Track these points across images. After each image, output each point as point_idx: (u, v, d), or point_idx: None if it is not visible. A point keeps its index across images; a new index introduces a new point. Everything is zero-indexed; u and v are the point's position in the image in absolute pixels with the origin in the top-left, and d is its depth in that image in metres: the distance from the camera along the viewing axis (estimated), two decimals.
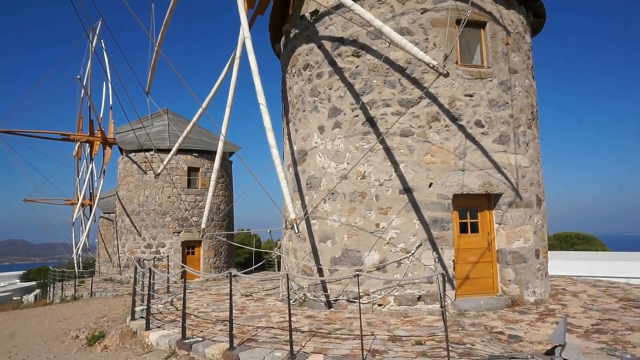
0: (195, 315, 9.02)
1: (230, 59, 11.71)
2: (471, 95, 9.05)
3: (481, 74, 9.22)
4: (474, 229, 9.24)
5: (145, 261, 15.45)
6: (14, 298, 26.70)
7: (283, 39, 11.71)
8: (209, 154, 21.59)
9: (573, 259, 18.84)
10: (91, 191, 29.74)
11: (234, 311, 6.74)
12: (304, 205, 9.99)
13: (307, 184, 9.99)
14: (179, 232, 20.64)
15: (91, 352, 7.97)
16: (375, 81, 9.14)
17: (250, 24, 10.79)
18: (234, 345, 6.30)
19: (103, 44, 26.87)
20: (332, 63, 9.68)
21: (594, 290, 10.47)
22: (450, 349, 5.56)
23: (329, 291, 9.14)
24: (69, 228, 29.66)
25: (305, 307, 9.41)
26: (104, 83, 29.52)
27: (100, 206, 28.76)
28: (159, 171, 15.17)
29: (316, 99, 9.93)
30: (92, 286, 19.40)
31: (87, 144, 28.40)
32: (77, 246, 27.10)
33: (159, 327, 8.15)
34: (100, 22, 25.01)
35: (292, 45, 10.94)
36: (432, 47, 9.00)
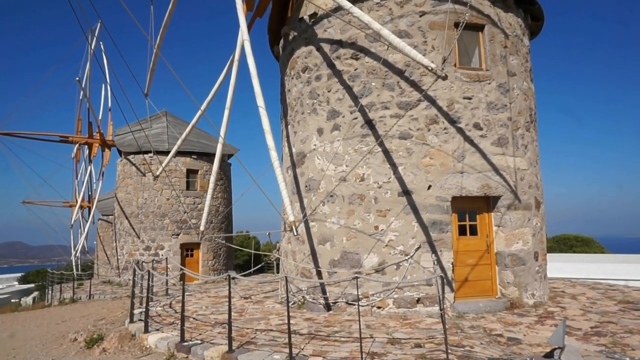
0: (194, 318, 9.00)
1: (229, 61, 11.72)
2: (470, 98, 9.07)
3: (479, 76, 9.24)
4: (473, 231, 9.24)
5: (144, 263, 15.44)
6: (12, 300, 26.64)
7: (282, 41, 11.72)
8: (208, 156, 21.60)
9: (572, 262, 18.86)
10: (90, 193, 29.70)
11: (232, 314, 6.74)
12: (302, 208, 9.99)
13: (306, 186, 9.99)
14: (178, 235, 20.61)
15: (90, 355, 7.95)
16: (374, 84, 9.15)
17: (249, 27, 10.80)
18: (233, 348, 6.29)
19: (102, 46, 26.87)
20: (331, 65, 9.69)
21: (593, 292, 10.48)
22: (449, 351, 5.56)
23: (328, 294, 9.13)
24: (67, 230, 29.64)
25: (304, 310, 9.40)
26: (103, 85, 29.57)
27: (99, 208, 28.72)
28: (157, 173, 15.14)
29: (315, 101, 9.95)
30: (90, 288, 19.36)
31: (86, 146, 28.38)
32: (76, 248, 27.06)
33: (157, 329, 8.14)
34: (99, 24, 24.99)
35: (290, 48, 10.95)
36: (431, 49, 9.02)
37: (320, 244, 9.45)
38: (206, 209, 11.18)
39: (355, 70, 9.38)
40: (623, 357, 5.39)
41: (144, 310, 8.45)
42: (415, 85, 8.97)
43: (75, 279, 21.68)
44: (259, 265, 14.71)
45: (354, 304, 8.61)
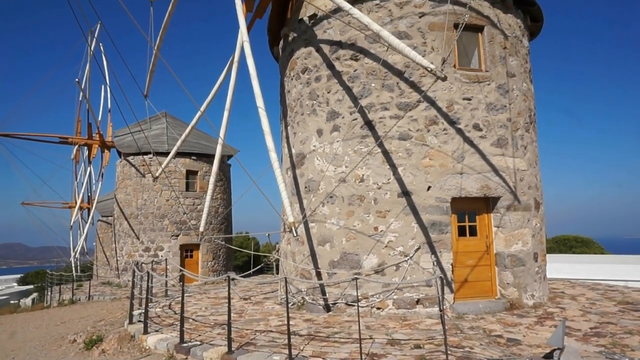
0: (193, 319, 9.00)
1: (228, 62, 11.72)
2: (469, 99, 9.08)
3: (479, 77, 9.25)
4: (473, 232, 9.24)
5: (143, 264, 15.42)
6: (11, 302, 26.61)
7: (281, 42, 11.73)
8: (208, 157, 21.59)
9: (571, 262, 18.88)
10: (89, 194, 29.69)
11: (232, 315, 6.73)
12: (302, 209, 9.99)
13: (306, 187, 9.99)
14: (177, 236, 20.60)
15: (89, 356, 7.94)
16: (373, 85, 9.16)
17: (249, 28, 10.81)
18: (233, 349, 6.29)
19: (102, 47, 26.87)
20: (331, 66, 9.70)
21: (592, 293, 10.48)
22: (449, 352, 5.56)
23: (327, 294, 9.13)
24: (66, 231, 29.60)
25: (303, 311, 9.40)
26: (103, 86, 29.54)
27: (98, 209, 28.71)
28: (157, 174, 15.13)
29: (315, 102, 9.95)
30: (90, 290, 19.35)
31: (86, 147, 28.37)
32: (75, 250, 27.04)
33: (157, 330, 8.13)
34: (98, 26, 24.99)
35: (290, 49, 10.96)
36: (430, 50, 9.03)
37: (320, 245, 9.45)
38: (206, 210, 11.17)
39: (354, 71, 9.38)
40: (622, 358, 5.39)
41: (144, 311, 8.44)
42: (414, 86, 8.98)
43: (75, 280, 21.64)
44: (259, 266, 14.69)
45: (353, 305, 8.61)
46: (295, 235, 7.87)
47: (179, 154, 19.50)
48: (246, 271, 18.07)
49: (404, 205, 8.74)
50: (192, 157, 21.37)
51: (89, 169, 28.64)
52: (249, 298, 11.88)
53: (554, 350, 5.37)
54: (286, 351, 5.85)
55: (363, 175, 9.05)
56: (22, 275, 37.11)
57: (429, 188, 8.76)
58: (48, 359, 8.14)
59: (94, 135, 27.31)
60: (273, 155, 8.14)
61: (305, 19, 10.28)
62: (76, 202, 28.51)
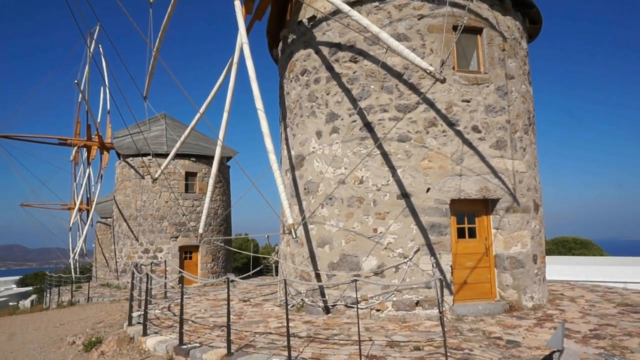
0: (192, 321, 8.99)
1: (228, 64, 11.74)
2: (468, 101, 9.09)
3: (478, 79, 9.26)
4: (472, 234, 9.25)
5: (142, 266, 15.41)
6: (10, 303, 26.56)
7: (281, 44, 11.75)
8: (207, 159, 21.58)
9: (571, 264, 18.87)
10: (88, 196, 29.67)
11: (231, 317, 6.73)
12: (301, 210, 9.99)
13: (305, 189, 9.99)
14: (177, 237, 20.58)
15: (88, 358, 7.94)
16: (372, 86, 9.17)
17: (248, 30, 10.82)
18: (232, 351, 6.28)
19: (101, 49, 26.89)
20: (330, 68, 9.71)
21: (591, 295, 10.48)
22: (448, 354, 5.56)
23: (327, 296, 9.12)
24: (65, 233, 29.55)
25: (303, 313, 9.39)
26: (102, 88, 29.53)
27: (97, 211, 28.68)
28: (156, 176, 15.12)
29: (314, 104, 9.96)
30: (89, 291, 19.33)
31: (85, 149, 28.36)
32: (74, 251, 26.99)
33: (156, 332, 8.12)
34: (97, 27, 25.05)
35: (289, 51, 10.97)
36: (429, 53, 9.05)
37: (319, 246, 9.45)
38: (205, 211, 11.18)
39: (354, 73, 9.39)
40: None
41: (143, 313, 8.43)
42: (413, 88, 8.99)
43: (74, 282, 21.61)
44: (258, 268, 14.64)
45: (353, 307, 8.61)
46: (294, 237, 7.88)
47: (178, 156, 19.47)
48: (245, 273, 18.03)
49: (403, 207, 8.75)
50: (192, 159, 21.36)
51: (88, 170, 28.66)
52: (249, 300, 11.88)
53: (554, 352, 5.37)
54: (286, 353, 5.84)
55: (362, 177, 9.06)
56: (21, 276, 37.03)
57: (428, 190, 8.77)
58: None
59: (93, 136, 27.32)
60: (272, 157, 8.16)
61: (305, 20, 10.29)
62: (75, 204, 28.50)
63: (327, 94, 9.71)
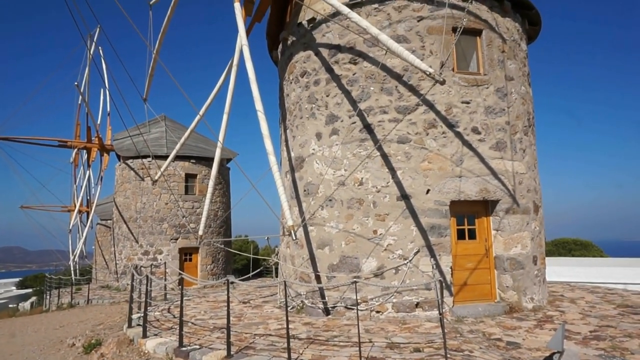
0: (192, 323, 8.98)
1: (227, 66, 11.75)
2: (468, 102, 9.10)
3: (477, 81, 9.27)
4: (472, 235, 9.25)
5: (142, 268, 15.41)
6: (10, 305, 26.55)
7: (280, 46, 11.76)
8: (207, 161, 21.59)
9: (571, 265, 18.87)
10: (88, 198, 29.68)
11: (231, 318, 6.73)
12: (301, 212, 9.99)
13: (305, 190, 9.99)
14: (177, 239, 20.58)
15: None
16: (372, 88, 9.18)
17: (248, 32, 10.84)
18: (232, 353, 6.28)
19: (101, 51, 26.93)
20: (330, 70, 9.72)
21: (591, 296, 10.48)
22: (448, 356, 5.56)
23: (326, 298, 9.12)
24: (65, 235, 29.56)
25: (303, 314, 9.39)
26: (102, 90, 29.60)
27: (97, 213, 28.69)
28: (156, 178, 15.14)
29: (313, 105, 9.97)
30: (88, 293, 19.32)
31: (85, 151, 28.38)
32: (74, 253, 27.00)
33: (156, 334, 8.11)
34: (97, 29, 25.09)
35: (289, 53, 10.99)
36: (429, 54, 9.06)
37: (319, 248, 9.45)
38: (205, 213, 11.19)
39: (353, 74, 9.40)
40: None
41: (143, 315, 8.42)
42: (413, 89, 9.00)
43: (74, 284, 21.61)
44: (258, 270, 14.68)
45: (352, 309, 8.60)
46: (294, 238, 7.88)
47: (178, 157, 19.50)
48: (245, 274, 18.06)
49: (403, 209, 8.75)
50: (191, 161, 21.37)
51: (88, 172, 28.69)
52: (248, 301, 11.87)
53: (554, 353, 5.36)
54: (285, 355, 5.83)
55: (362, 178, 9.06)
56: (20, 278, 37.03)
57: (428, 191, 8.77)
58: None
59: (93, 138, 27.34)
60: (272, 159, 8.17)
61: (304, 22, 10.31)
62: (75, 206, 28.50)
63: (327, 96, 9.72)
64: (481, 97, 9.20)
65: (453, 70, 9.19)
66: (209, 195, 11.21)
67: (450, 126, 8.95)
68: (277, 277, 17.34)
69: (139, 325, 8.77)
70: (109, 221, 27.25)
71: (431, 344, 6.46)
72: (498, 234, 9.17)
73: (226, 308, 6.62)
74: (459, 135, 8.95)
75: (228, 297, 6.71)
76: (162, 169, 13.87)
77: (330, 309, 9.03)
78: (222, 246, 21.44)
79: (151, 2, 12.42)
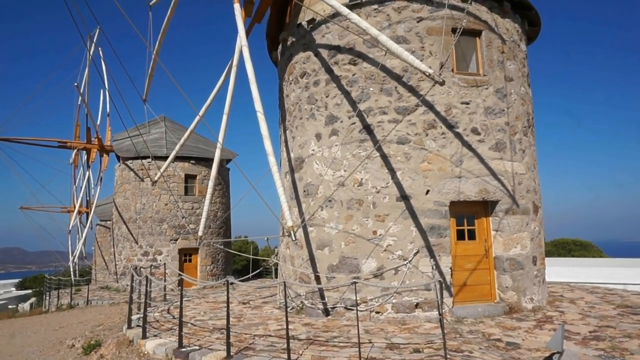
0: (192, 324, 8.97)
1: (227, 67, 11.76)
2: (467, 103, 9.10)
3: (477, 81, 9.28)
4: (471, 236, 9.25)
5: (142, 269, 15.40)
6: (10, 306, 26.54)
7: (280, 47, 11.77)
8: (206, 161, 21.59)
9: (570, 266, 18.88)
10: (88, 199, 29.68)
11: (231, 319, 6.72)
12: (301, 213, 9.99)
13: (304, 191, 10.00)
14: (176, 240, 20.57)
15: None
16: (371, 89, 9.19)
17: (248, 32, 10.85)
18: (231, 353, 6.27)
19: (100, 52, 26.94)
20: (329, 71, 9.73)
21: (591, 296, 10.48)
22: (448, 356, 5.56)
23: (326, 299, 9.12)
24: (65, 236, 29.56)
25: (302, 315, 9.38)
26: (102, 91, 29.61)
27: (97, 214, 28.68)
28: (156, 178, 15.13)
29: (313, 106, 9.97)
30: (88, 294, 19.30)
31: (84, 152, 28.39)
32: (74, 254, 26.99)
33: (155, 335, 8.11)
34: (97, 30, 25.08)
35: (289, 53, 10.99)
36: (428, 55, 9.07)
37: (319, 249, 9.45)
38: (204, 214, 11.19)
39: (353, 75, 9.41)
40: None
41: (142, 316, 8.42)
42: (413, 90, 9.00)
43: (73, 285, 21.59)
44: (258, 271, 14.67)
45: (352, 309, 8.60)
46: (294, 239, 7.88)
47: (177, 158, 19.50)
48: (245, 275, 18.05)
49: (403, 209, 8.75)
50: (191, 161, 21.37)
51: (87, 173, 28.69)
52: (248, 302, 11.86)
53: (553, 354, 5.36)
54: (285, 356, 5.83)
55: (362, 179, 9.06)
56: (20, 279, 37.03)
57: (427, 192, 8.77)
58: None
59: (92, 139, 27.34)
60: (272, 160, 8.17)
61: (304, 23, 10.31)
62: (75, 207, 28.51)
63: (327, 97, 9.73)
64: (481, 98, 9.21)
65: (452, 71, 9.20)
66: (208, 196, 11.21)
67: (450, 127, 8.95)
68: (276, 277, 17.34)
69: (138, 326, 8.76)
70: (108, 222, 27.26)
71: (431, 345, 6.46)
72: (498, 234, 9.17)
73: (226, 309, 6.62)
74: (458, 135, 8.96)
75: (228, 298, 6.71)
76: (161, 170, 13.86)
77: (329, 309, 9.03)
78: (222, 247, 21.43)
79: (151, 3, 12.43)
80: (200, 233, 11.72)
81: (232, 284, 6.92)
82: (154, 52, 11.97)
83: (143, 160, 20.96)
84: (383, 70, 9.10)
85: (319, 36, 10.01)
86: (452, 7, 9.13)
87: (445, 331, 5.85)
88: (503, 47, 9.71)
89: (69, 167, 30.69)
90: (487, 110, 9.23)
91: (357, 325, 6.08)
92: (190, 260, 20.97)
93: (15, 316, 20.49)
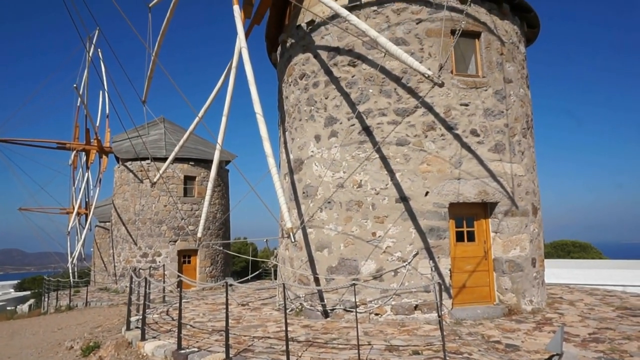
0: (191, 325, 8.96)
1: (226, 68, 11.76)
2: (466, 105, 9.11)
3: (476, 83, 9.29)
4: (471, 237, 9.25)
5: (141, 270, 15.37)
6: (8, 308, 26.46)
7: (279, 48, 11.78)
8: (206, 163, 21.59)
9: (569, 267, 18.87)
10: (87, 200, 29.65)
11: (230, 321, 6.71)
12: (300, 214, 9.98)
13: (304, 192, 9.99)
14: (175, 241, 20.55)
15: None
16: (371, 90, 9.19)
17: (247, 34, 10.85)
18: (230, 355, 6.26)
19: (100, 53, 26.97)
20: (328, 72, 9.73)
21: (590, 298, 10.48)
22: (447, 358, 5.55)
23: (325, 300, 9.11)
24: (64, 237, 29.51)
25: (301, 317, 9.37)
26: (101, 92, 29.60)
27: (96, 215, 28.65)
28: (155, 180, 15.12)
29: (312, 108, 9.97)
30: (87, 296, 19.27)
31: (83, 153, 28.38)
32: (73, 255, 26.96)
33: (154, 337, 8.09)
34: (97, 31, 25.08)
35: (288, 55, 11.00)
36: (428, 56, 9.08)
37: (318, 250, 9.44)
38: (204, 215, 11.18)
39: (352, 77, 9.41)
40: None
41: (141, 317, 8.40)
42: (412, 92, 9.01)
43: (72, 286, 21.56)
44: (257, 272, 14.65)
45: (351, 311, 8.58)
46: (293, 240, 7.87)
47: (177, 160, 19.48)
48: (244, 277, 18.03)
49: (402, 211, 8.75)
50: (190, 163, 21.37)
51: (86, 174, 28.66)
52: (247, 304, 11.85)
53: (553, 356, 5.36)
54: (284, 357, 5.82)
55: (361, 180, 9.06)
56: (19, 281, 36.93)
57: (426, 193, 8.77)
58: None
59: (92, 140, 27.34)
60: (271, 161, 8.17)
61: (303, 25, 10.32)
62: (74, 208, 28.49)
63: (326, 98, 9.73)
64: (480, 100, 9.22)
65: (452, 72, 9.21)
66: (207, 198, 11.20)
67: (449, 128, 8.96)
68: (275, 279, 17.32)
69: (137, 327, 8.75)
70: (107, 223, 27.22)
71: (430, 347, 6.45)
72: (497, 236, 9.17)
73: (225, 310, 6.61)
74: (457, 137, 8.96)
75: (227, 300, 6.70)
76: (161, 171, 13.85)
77: (329, 311, 9.02)
78: (221, 248, 21.41)
79: (150, 4, 12.43)
80: (199, 234, 11.71)
81: (231, 285, 6.91)
82: (153, 54, 11.97)
83: (142, 162, 20.95)
84: (382, 71, 9.11)
85: (318, 38, 10.02)
86: (451, 9, 9.14)
87: (445, 333, 5.84)
88: (502, 48, 9.72)
89: (68, 169, 30.72)
90: (486, 111, 9.23)
91: (357, 327, 6.08)
92: (189, 262, 20.95)
93: (14, 317, 20.45)
